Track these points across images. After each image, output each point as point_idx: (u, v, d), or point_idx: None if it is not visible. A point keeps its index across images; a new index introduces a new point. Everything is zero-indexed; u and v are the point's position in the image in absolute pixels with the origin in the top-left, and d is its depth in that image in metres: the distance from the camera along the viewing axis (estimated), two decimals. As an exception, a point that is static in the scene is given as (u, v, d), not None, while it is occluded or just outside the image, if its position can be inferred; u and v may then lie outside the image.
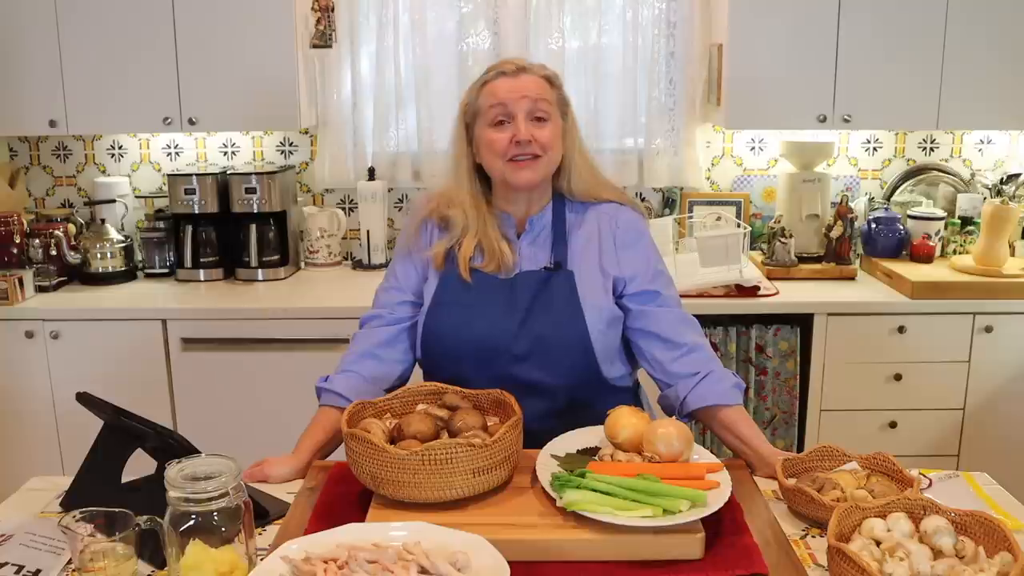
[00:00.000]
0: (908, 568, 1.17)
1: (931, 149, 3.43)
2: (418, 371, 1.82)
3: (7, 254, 3.07)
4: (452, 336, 1.69)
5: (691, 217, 3.29)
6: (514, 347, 1.66)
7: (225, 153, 3.44)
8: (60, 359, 2.90)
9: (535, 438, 1.51)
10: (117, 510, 1.26)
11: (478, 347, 1.67)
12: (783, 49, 3.01)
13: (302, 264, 3.42)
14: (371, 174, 3.29)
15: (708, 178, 3.44)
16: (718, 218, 3.21)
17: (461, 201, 1.74)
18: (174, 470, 1.21)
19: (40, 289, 3.05)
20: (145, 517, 1.24)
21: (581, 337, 1.66)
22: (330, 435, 1.68)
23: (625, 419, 1.48)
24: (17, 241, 3.08)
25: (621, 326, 1.73)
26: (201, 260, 3.22)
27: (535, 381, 1.66)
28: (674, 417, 1.62)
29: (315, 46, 3.24)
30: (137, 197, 3.44)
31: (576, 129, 1.77)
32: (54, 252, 3.10)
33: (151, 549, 1.31)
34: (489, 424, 1.50)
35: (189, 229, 3.19)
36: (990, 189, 3.28)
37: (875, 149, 3.43)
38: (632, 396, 1.81)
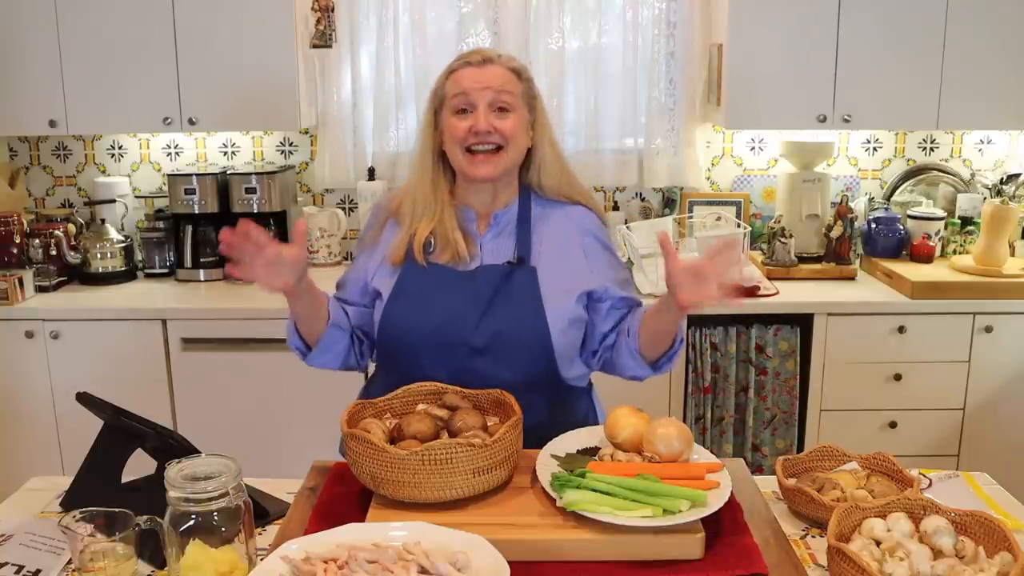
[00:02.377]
0: (908, 568, 1.17)
1: (931, 149, 3.43)
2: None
3: (7, 254, 3.07)
4: (409, 327, 1.66)
5: (691, 217, 3.29)
6: (472, 340, 1.64)
7: (225, 153, 3.44)
8: (60, 359, 2.90)
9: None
10: (117, 510, 1.26)
11: (435, 338, 1.64)
12: (783, 49, 3.01)
13: (302, 264, 3.41)
14: (371, 174, 3.29)
15: (708, 178, 3.44)
16: (718, 218, 3.21)
17: (420, 189, 1.73)
18: (174, 470, 1.21)
19: (40, 289, 3.05)
20: (145, 517, 1.24)
21: (541, 334, 1.64)
22: (321, 298, 1.70)
23: (625, 419, 1.48)
24: (17, 241, 3.08)
25: (583, 328, 1.71)
26: (201, 260, 3.22)
27: (493, 376, 1.62)
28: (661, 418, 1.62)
29: (315, 46, 3.24)
30: (137, 197, 3.44)
31: (546, 122, 1.75)
32: (54, 252, 3.10)
33: (151, 549, 1.31)
34: (489, 424, 1.50)
35: (189, 229, 3.19)
36: (990, 189, 3.28)
37: (875, 149, 3.43)
38: (586, 395, 1.81)
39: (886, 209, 3.28)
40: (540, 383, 1.67)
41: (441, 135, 1.72)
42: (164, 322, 2.88)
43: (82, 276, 3.16)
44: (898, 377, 2.91)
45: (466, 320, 1.64)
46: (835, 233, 3.13)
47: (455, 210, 1.73)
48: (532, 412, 1.63)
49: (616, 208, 3.37)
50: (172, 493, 1.19)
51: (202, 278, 3.22)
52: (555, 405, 1.70)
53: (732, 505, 1.37)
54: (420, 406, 1.55)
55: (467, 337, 1.63)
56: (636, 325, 1.66)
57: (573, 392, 1.75)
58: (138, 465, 1.54)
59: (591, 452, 1.49)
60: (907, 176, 3.42)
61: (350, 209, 3.45)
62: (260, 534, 1.41)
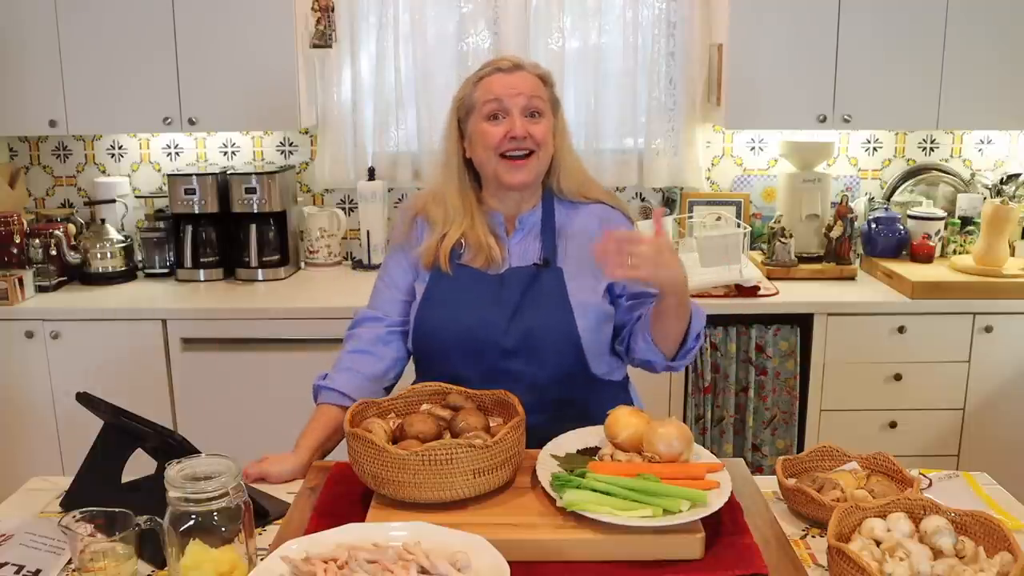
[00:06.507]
0: (908, 568, 1.17)
1: (931, 149, 3.43)
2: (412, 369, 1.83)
3: (7, 254, 3.06)
4: (441, 330, 1.70)
5: (691, 217, 3.29)
6: (503, 341, 1.67)
7: (225, 153, 3.44)
8: (60, 359, 2.90)
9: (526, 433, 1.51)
10: (117, 510, 1.26)
11: (467, 341, 1.68)
12: (783, 49, 3.01)
13: (302, 264, 3.42)
14: (371, 174, 3.29)
15: (708, 178, 3.44)
16: (718, 218, 3.21)
17: (449, 195, 1.76)
18: (174, 470, 1.21)
19: (40, 289, 3.05)
20: (145, 517, 1.24)
21: (570, 333, 1.67)
22: (330, 433, 1.68)
23: (625, 419, 1.48)
24: (17, 241, 3.08)
25: (611, 324, 1.74)
26: (201, 260, 3.22)
27: (524, 375, 1.67)
28: (671, 420, 1.62)
29: (315, 46, 3.23)
30: (137, 197, 3.44)
31: (566, 128, 1.80)
32: (54, 252, 3.10)
33: (151, 549, 1.31)
34: (492, 425, 1.50)
35: (189, 229, 3.19)
36: (990, 189, 3.28)
37: (875, 149, 3.43)
38: (622, 390, 1.82)
39: (886, 209, 3.28)
40: (572, 380, 1.70)
41: (468, 143, 1.74)
42: (164, 322, 2.88)
43: (82, 276, 3.16)
44: (898, 377, 2.91)
45: (496, 323, 1.68)
46: (835, 233, 3.13)
47: (485, 216, 1.76)
48: (565, 408, 1.67)
49: (616, 208, 3.37)
50: (172, 493, 1.19)
51: (202, 278, 3.22)
52: (589, 401, 1.71)
53: (732, 505, 1.37)
54: (424, 406, 1.55)
55: (498, 339, 1.67)
56: (649, 313, 1.68)
57: (609, 387, 1.76)
58: (138, 465, 1.54)
59: (591, 452, 1.49)
60: (907, 176, 3.42)
61: (350, 209, 3.45)
62: (260, 534, 1.41)
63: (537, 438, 1.52)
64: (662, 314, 1.63)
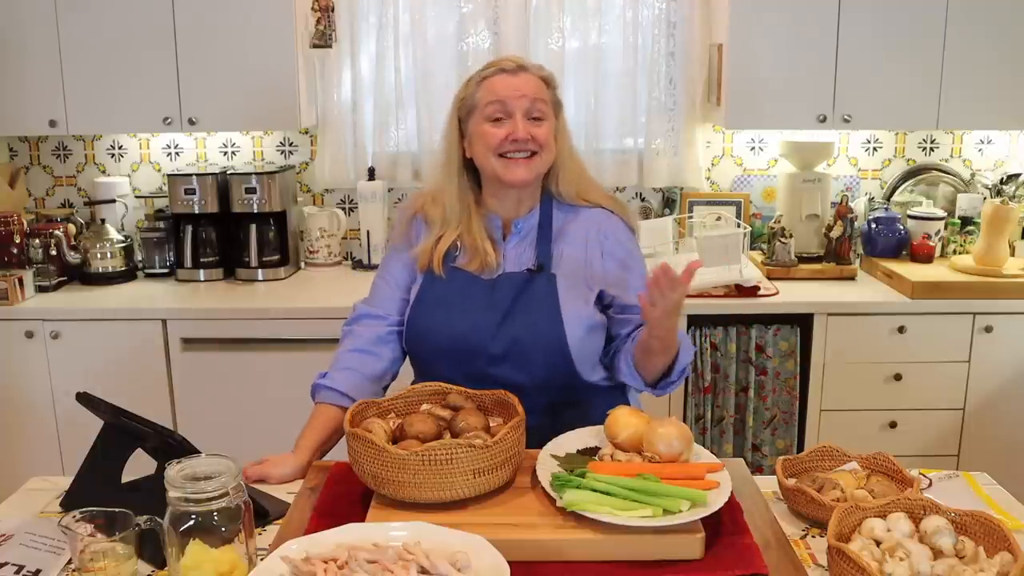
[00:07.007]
0: (908, 568, 1.17)
1: (931, 149, 3.42)
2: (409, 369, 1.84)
3: (7, 254, 3.06)
4: (432, 334, 1.70)
5: (691, 217, 3.29)
6: (491, 347, 1.67)
7: (225, 153, 3.44)
8: (60, 359, 2.90)
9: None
10: (117, 510, 1.26)
11: (456, 346, 1.68)
12: (783, 49, 3.01)
13: (302, 264, 3.42)
14: (371, 174, 3.29)
15: (708, 178, 3.44)
16: (718, 218, 3.21)
17: (447, 196, 1.75)
18: (174, 470, 1.21)
19: (40, 289, 3.05)
20: (145, 517, 1.24)
21: (558, 341, 1.66)
22: (329, 433, 1.68)
23: (625, 419, 1.48)
24: (17, 241, 3.08)
25: (603, 333, 1.73)
26: (201, 260, 3.22)
27: (512, 382, 1.64)
28: (668, 418, 1.62)
29: (315, 46, 3.23)
30: (137, 197, 3.44)
31: (567, 130, 1.78)
32: (54, 252, 3.10)
33: (151, 549, 1.31)
34: (492, 425, 1.50)
35: (189, 229, 3.19)
36: (990, 189, 3.28)
37: (875, 149, 3.43)
38: (620, 394, 1.81)
39: (886, 209, 3.28)
40: (562, 387, 1.70)
41: (468, 143, 1.73)
42: (164, 322, 2.88)
43: (82, 276, 3.16)
44: (898, 377, 2.91)
45: (486, 328, 1.67)
46: (835, 233, 3.13)
47: (483, 219, 1.75)
48: (557, 413, 1.67)
49: (616, 208, 3.37)
50: (172, 493, 1.19)
51: (202, 278, 3.22)
52: (585, 405, 1.71)
53: (732, 505, 1.37)
54: (424, 406, 1.55)
55: (486, 345, 1.67)
56: (635, 338, 1.67)
57: (601, 393, 1.75)
58: (138, 465, 1.54)
59: (591, 452, 1.49)
60: (907, 176, 3.42)
61: (350, 209, 3.45)
62: (260, 534, 1.41)
63: (536, 440, 1.52)
64: (647, 349, 1.62)
